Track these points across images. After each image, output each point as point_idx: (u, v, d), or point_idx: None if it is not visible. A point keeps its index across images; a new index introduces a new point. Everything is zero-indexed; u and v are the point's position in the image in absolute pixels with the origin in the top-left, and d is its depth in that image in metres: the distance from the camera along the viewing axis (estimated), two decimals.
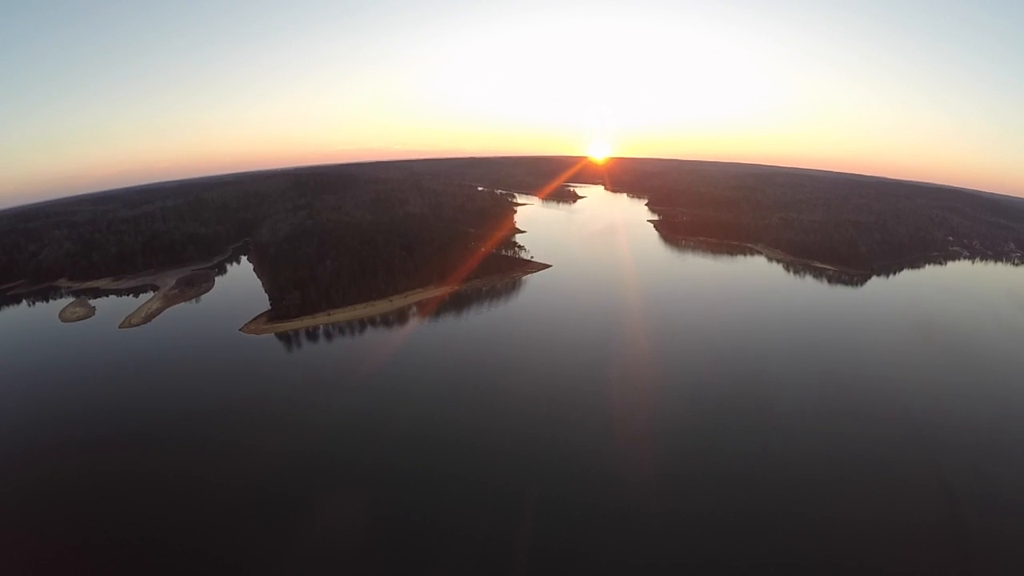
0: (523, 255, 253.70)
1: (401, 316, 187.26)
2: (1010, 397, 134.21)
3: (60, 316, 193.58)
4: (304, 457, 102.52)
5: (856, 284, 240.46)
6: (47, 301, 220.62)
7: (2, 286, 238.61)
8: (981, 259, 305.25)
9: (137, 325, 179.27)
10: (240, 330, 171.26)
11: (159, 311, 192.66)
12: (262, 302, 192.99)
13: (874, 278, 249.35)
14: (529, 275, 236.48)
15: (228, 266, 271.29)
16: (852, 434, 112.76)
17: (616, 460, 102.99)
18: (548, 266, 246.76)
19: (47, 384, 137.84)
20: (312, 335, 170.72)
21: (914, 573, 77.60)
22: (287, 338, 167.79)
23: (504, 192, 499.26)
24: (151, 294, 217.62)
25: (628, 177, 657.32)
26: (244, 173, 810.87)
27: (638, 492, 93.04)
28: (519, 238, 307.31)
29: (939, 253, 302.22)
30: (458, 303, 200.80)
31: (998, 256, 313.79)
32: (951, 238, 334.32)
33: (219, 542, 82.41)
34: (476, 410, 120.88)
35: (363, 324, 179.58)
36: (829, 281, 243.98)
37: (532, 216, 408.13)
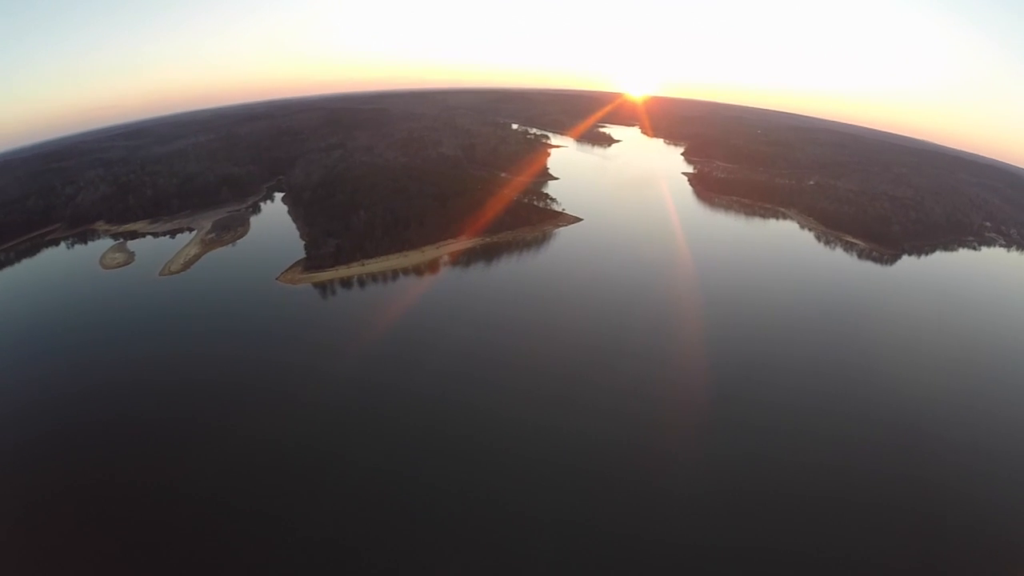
0: (554, 206, 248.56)
1: (433, 267, 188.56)
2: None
3: (101, 263, 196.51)
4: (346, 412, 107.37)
5: (886, 263, 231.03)
6: (86, 244, 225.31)
7: (42, 230, 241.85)
8: (1017, 249, 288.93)
9: (177, 272, 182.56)
10: (276, 279, 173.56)
11: (197, 257, 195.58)
12: (297, 247, 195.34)
13: (904, 257, 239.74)
14: (560, 228, 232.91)
15: (262, 205, 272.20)
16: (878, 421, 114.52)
17: (643, 428, 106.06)
18: (579, 219, 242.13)
19: (95, 336, 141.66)
20: (347, 284, 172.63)
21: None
22: (323, 288, 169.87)
23: (538, 132, 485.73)
24: (188, 236, 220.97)
25: (666, 121, 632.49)
26: (276, 102, 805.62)
27: (665, 465, 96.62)
28: (551, 186, 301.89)
29: (974, 238, 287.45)
30: (488, 254, 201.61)
31: None
32: (988, 224, 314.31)
33: (247, 492, 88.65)
34: (501, 368, 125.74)
35: (396, 275, 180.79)
36: (859, 256, 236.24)
37: (565, 161, 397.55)
